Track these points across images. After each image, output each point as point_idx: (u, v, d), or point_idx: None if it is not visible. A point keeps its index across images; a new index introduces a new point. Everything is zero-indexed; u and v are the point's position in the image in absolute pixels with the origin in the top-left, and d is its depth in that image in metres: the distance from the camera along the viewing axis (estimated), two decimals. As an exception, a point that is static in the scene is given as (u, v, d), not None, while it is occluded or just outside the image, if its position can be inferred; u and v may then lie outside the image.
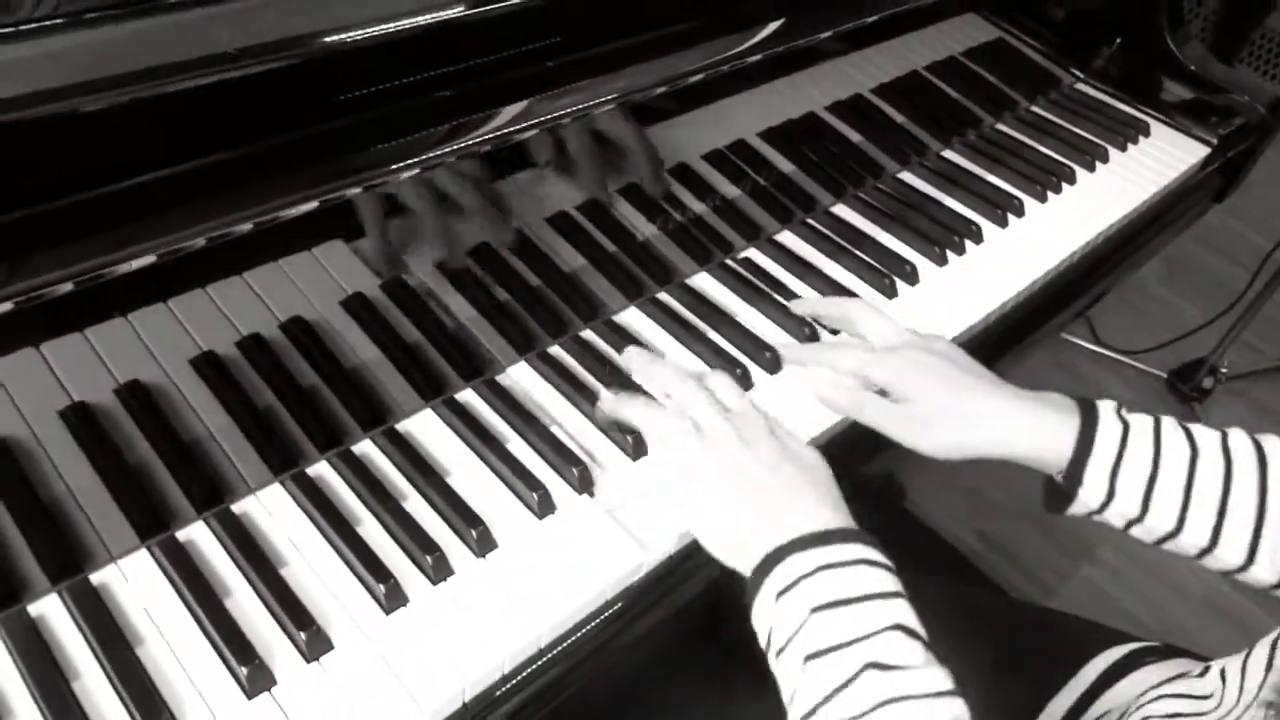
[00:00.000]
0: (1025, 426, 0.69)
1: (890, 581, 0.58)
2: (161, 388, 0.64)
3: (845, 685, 0.53)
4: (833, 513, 0.62)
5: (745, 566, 0.60)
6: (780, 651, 0.57)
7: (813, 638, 0.55)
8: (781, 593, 0.57)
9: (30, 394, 0.59)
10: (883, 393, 0.74)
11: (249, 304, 0.66)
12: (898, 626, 0.55)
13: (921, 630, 0.56)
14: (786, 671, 0.56)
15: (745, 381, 0.79)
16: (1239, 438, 0.69)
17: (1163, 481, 0.67)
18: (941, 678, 0.54)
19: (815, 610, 0.56)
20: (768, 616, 0.58)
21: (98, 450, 0.61)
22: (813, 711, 0.54)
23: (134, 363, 0.62)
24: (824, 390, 0.76)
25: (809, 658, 0.55)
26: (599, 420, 0.74)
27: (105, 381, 0.62)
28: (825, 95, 1.00)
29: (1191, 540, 0.67)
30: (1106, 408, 0.69)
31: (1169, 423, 0.69)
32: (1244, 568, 0.67)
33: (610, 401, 0.73)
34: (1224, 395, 2.01)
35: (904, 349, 0.75)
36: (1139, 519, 0.68)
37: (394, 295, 0.72)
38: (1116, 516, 0.69)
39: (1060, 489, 0.69)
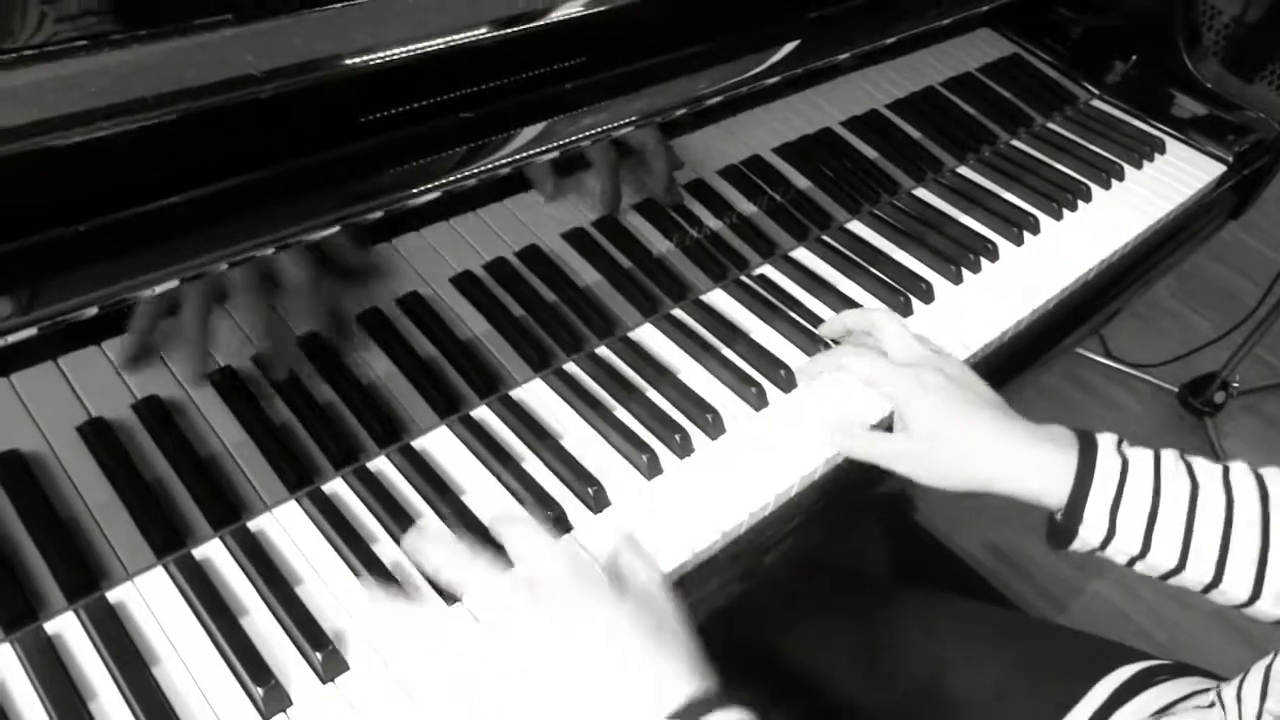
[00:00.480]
0: (1026, 466, 0.69)
1: None
2: (179, 403, 0.64)
3: None
4: (672, 684, 0.51)
5: None
6: None
7: None
8: None
9: (48, 409, 0.59)
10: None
11: (264, 321, 0.66)
12: None
13: None
14: None
15: (761, 400, 0.79)
16: (1240, 472, 0.68)
17: (1163, 518, 0.66)
18: None
19: None
20: None
21: (115, 466, 0.61)
22: None
23: (151, 377, 0.63)
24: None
25: None
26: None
27: (123, 397, 0.62)
28: (841, 111, 1.00)
29: (1195, 576, 0.67)
30: (1106, 443, 0.69)
31: (1169, 457, 0.68)
32: (1250, 602, 0.67)
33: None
34: (1236, 410, 2.01)
35: (919, 367, 0.74)
36: (1141, 556, 0.67)
37: (409, 310, 0.73)
38: (1118, 554, 0.68)
39: (1062, 526, 0.69)
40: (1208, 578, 0.66)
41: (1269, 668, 0.64)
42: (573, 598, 0.54)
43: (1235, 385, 1.97)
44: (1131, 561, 0.68)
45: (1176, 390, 2.03)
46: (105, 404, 0.61)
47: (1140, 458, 0.68)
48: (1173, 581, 0.69)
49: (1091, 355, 2.07)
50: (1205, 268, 2.27)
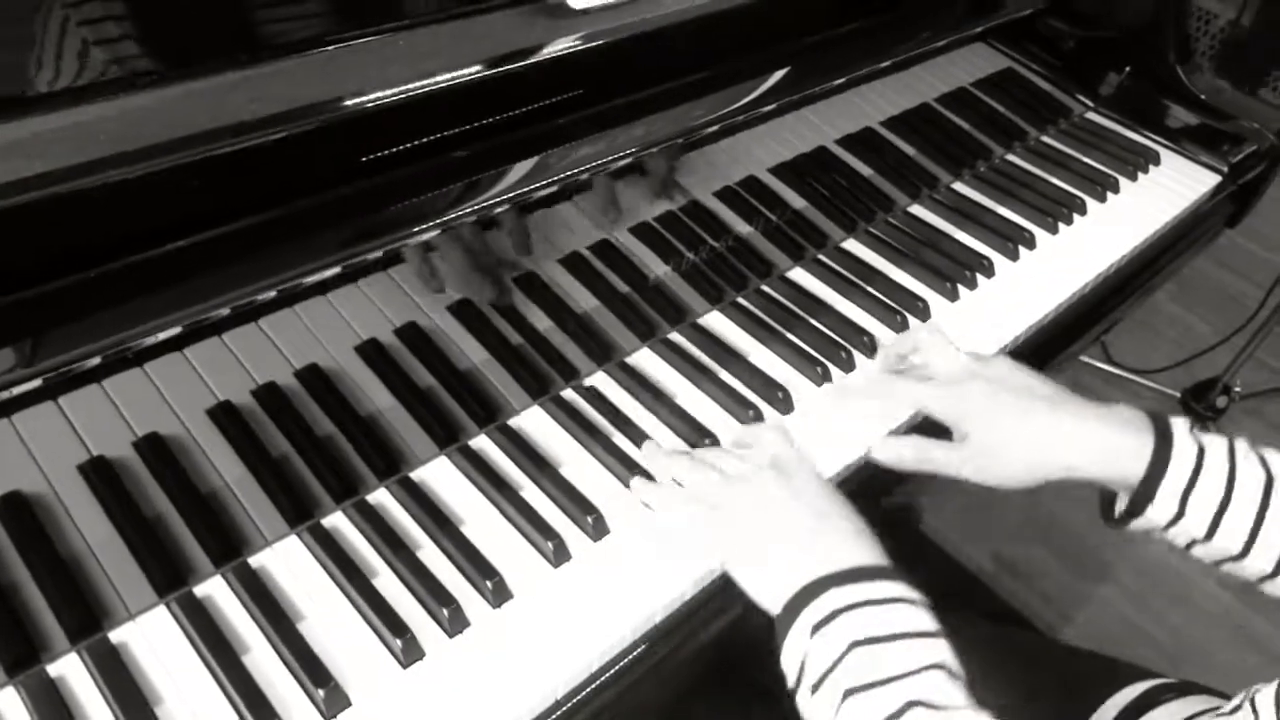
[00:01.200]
0: (1095, 449, 0.69)
1: (930, 621, 0.57)
2: (179, 439, 0.64)
3: None
4: (868, 551, 0.61)
5: (778, 599, 0.59)
6: (815, 687, 0.56)
7: (852, 673, 0.54)
8: (817, 626, 0.56)
9: (49, 449, 0.60)
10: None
11: (264, 351, 0.67)
12: (940, 666, 0.54)
13: (962, 672, 0.56)
14: (819, 707, 0.55)
15: (759, 421, 0.79)
16: None
17: (1235, 506, 0.66)
18: None
19: (855, 645, 0.55)
20: (800, 650, 0.57)
21: (116, 505, 0.61)
22: None
23: (151, 415, 0.63)
24: (890, 451, 0.75)
25: (848, 693, 0.54)
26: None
27: (124, 435, 0.62)
28: (835, 129, 1.00)
29: (1256, 566, 0.67)
30: (1180, 428, 0.69)
31: (1243, 446, 0.68)
32: None
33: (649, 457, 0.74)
34: (1238, 413, 2.00)
35: (963, 381, 0.74)
36: (1204, 540, 0.67)
37: (408, 340, 0.73)
38: (1181, 534, 0.68)
39: (1130, 505, 0.69)
40: (1268, 568, 0.67)
41: None
42: (791, 459, 0.69)
43: (1237, 389, 1.97)
44: (1191, 544, 0.68)
45: (1178, 395, 2.03)
46: (106, 442, 0.62)
47: (1215, 444, 0.68)
48: (1228, 568, 0.69)
49: (1092, 361, 2.07)
50: (1205, 272, 2.27)
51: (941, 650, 0.56)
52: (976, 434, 0.71)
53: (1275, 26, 2.53)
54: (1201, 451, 0.67)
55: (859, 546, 0.62)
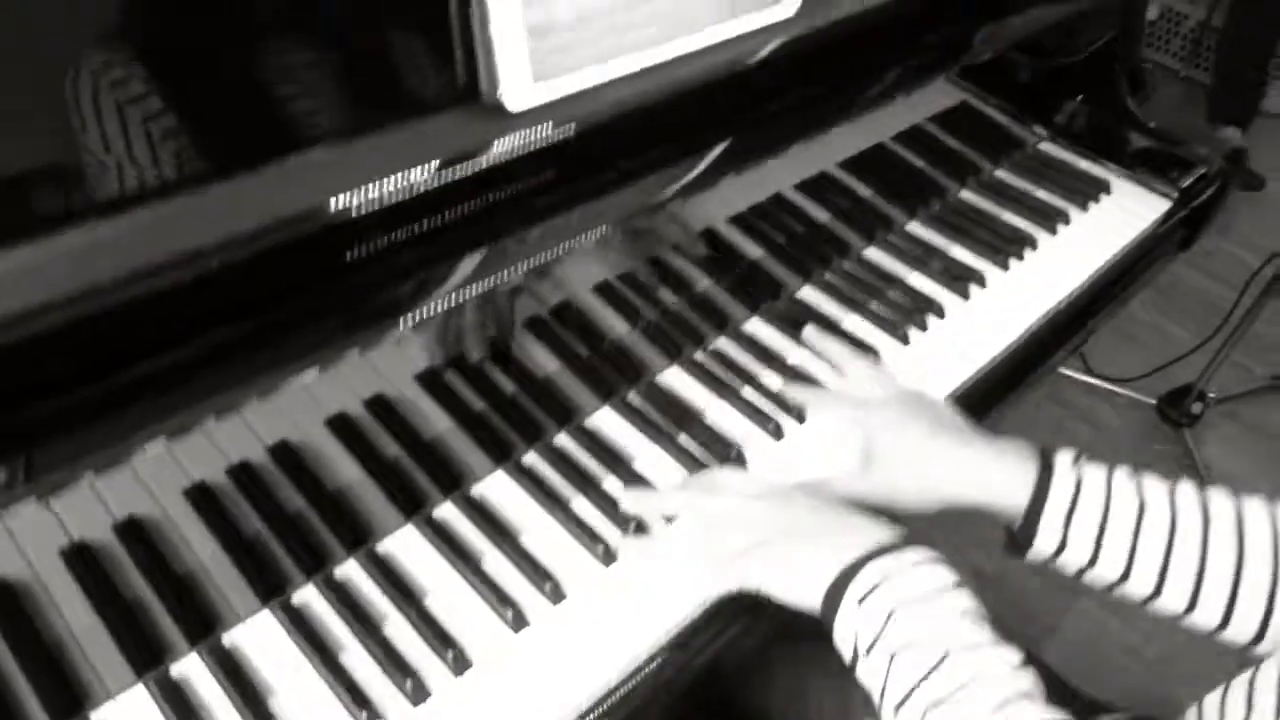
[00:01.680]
0: (984, 479, 0.74)
1: (950, 575, 0.65)
2: (156, 522, 0.67)
3: (933, 670, 0.60)
4: (881, 529, 0.69)
5: (818, 591, 0.66)
6: (868, 651, 0.63)
7: (895, 635, 0.62)
8: (862, 599, 0.64)
9: (34, 538, 0.63)
10: None
11: (238, 431, 0.70)
12: (966, 613, 0.63)
13: (984, 610, 0.63)
14: (873, 669, 0.63)
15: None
16: (1186, 491, 0.72)
17: (1111, 532, 0.71)
18: (1012, 653, 0.61)
19: (893, 611, 0.62)
20: (851, 623, 0.64)
21: (96, 589, 0.64)
22: (906, 697, 0.60)
23: (131, 498, 0.66)
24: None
25: (895, 654, 0.61)
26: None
27: (104, 520, 0.66)
28: (791, 174, 1.02)
29: (1137, 589, 0.71)
30: (1063, 460, 0.73)
31: (1121, 474, 0.73)
32: (1187, 613, 0.71)
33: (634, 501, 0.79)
34: (1215, 417, 2.02)
35: (875, 402, 0.82)
36: (1089, 566, 0.72)
37: (376, 412, 0.76)
38: (1068, 565, 0.73)
39: (1019, 536, 0.74)
40: (1148, 590, 0.71)
41: (1251, 682, 0.66)
42: (780, 488, 0.76)
43: (1212, 395, 1.99)
44: (1080, 572, 0.73)
45: (1154, 403, 2.05)
46: (88, 528, 0.65)
47: (1094, 475, 0.72)
48: (1116, 593, 0.73)
49: (1070, 373, 2.09)
50: (1183, 277, 2.29)
51: (964, 598, 0.64)
52: (879, 452, 0.78)
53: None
54: (1080, 482, 0.72)
55: (872, 527, 0.69)
